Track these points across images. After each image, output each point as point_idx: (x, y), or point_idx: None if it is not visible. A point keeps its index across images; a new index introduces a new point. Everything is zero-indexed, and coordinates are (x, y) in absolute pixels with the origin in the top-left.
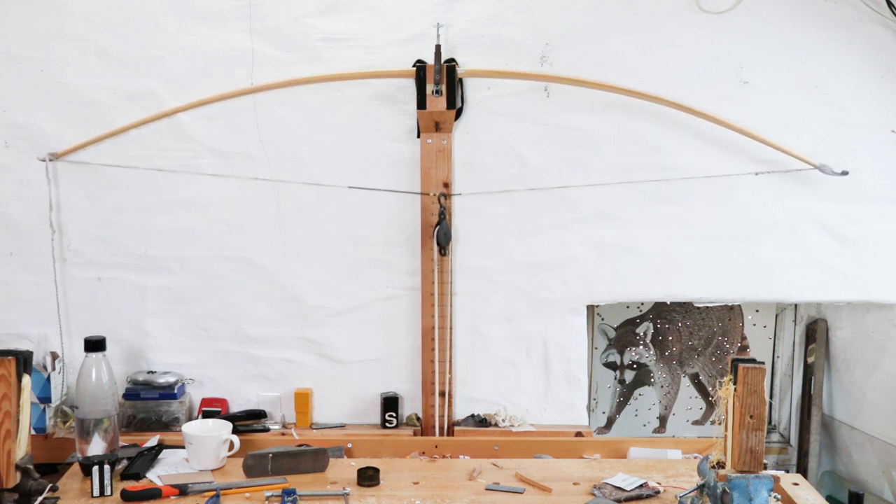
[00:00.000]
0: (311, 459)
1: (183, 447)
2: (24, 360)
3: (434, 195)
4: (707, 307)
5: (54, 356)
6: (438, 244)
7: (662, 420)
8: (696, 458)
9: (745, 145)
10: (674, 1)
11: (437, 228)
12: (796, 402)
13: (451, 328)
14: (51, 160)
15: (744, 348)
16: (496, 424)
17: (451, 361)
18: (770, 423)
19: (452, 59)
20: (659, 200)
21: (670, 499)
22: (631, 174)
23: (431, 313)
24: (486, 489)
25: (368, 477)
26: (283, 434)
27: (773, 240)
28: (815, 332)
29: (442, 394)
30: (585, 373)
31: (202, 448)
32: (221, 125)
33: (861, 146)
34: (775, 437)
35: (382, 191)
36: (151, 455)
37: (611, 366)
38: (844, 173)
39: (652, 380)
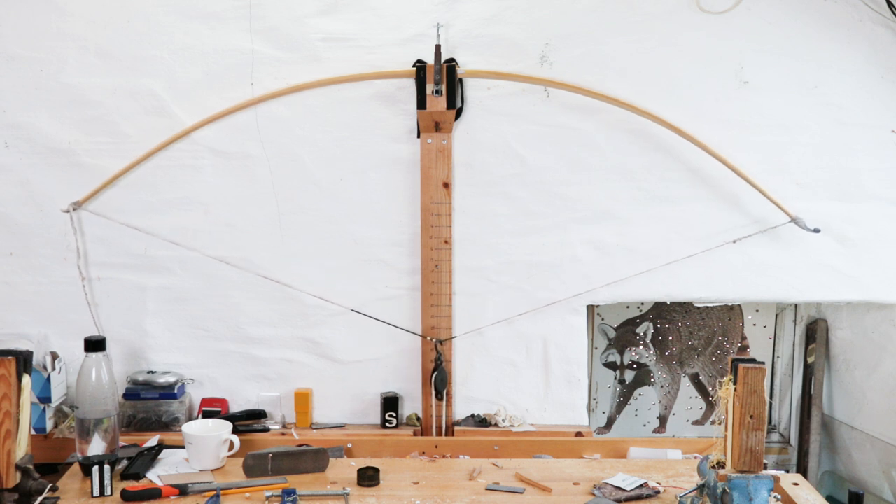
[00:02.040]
0: (311, 459)
1: (183, 447)
2: (24, 360)
3: (431, 340)
4: (707, 307)
5: (54, 356)
6: (436, 389)
7: (662, 420)
8: (696, 458)
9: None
10: (674, 1)
11: (434, 375)
12: (796, 402)
13: (451, 327)
14: (74, 210)
15: (744, 348)
16: (496, 424)
17: (451, 361)
18: (770, 423)
19: (452, 59)
20: (659, 200)
21: (670, 499)
22: (631, 174)
23: (431, 313)
24: (486, 489)
25: (368, 477)
26: (283, 434)
27: (773, 240)
28: (815, 332)
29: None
30: (585, 373)
31: (202, 448)
32: (221, 125)
33: (861, 146)
34: (775, 437)
35: (385, 323)
36: (151, 455)
37: (611, 366)
38: (816, 231)
39: (652, 380)
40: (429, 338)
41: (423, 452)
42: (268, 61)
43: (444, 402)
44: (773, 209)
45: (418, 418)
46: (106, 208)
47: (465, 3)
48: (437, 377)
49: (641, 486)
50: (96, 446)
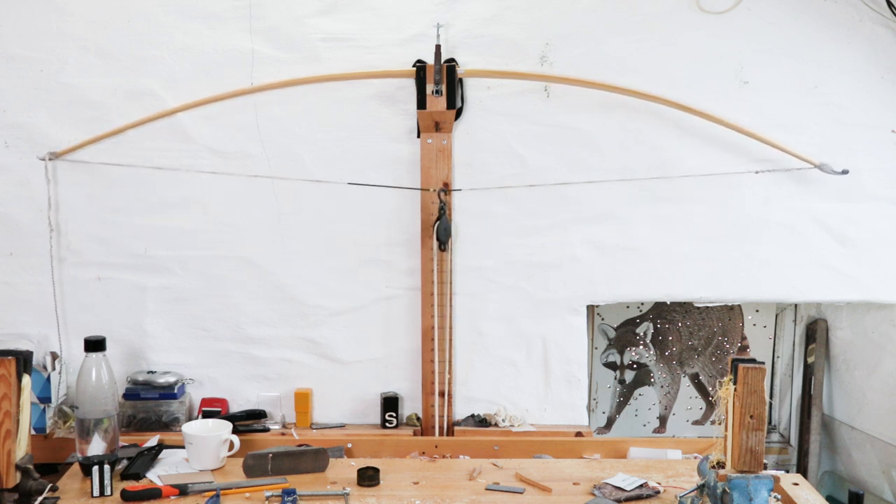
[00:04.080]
0: (311, 459)
1: (183, 447)
2: (24, 360)
3: (434, 191)
4: (707, 307)
5: (54, 356)
6: (438, 240)
7: (662, 420)
8: (696, 458)
9: (745, 145)
10: (674, 1)
11: (437, 224)
12: (796, 402)
13: (450, 328)
14: (50, 159)
15: (744, 348)
16: (496, 424)
17: (451, 361)
18: (770, 423)
19: (452, 59)
20: (659, 200)
21: (670, 499)
22: (631, 174)
23: (431, 313)
24: (486, 489)
25: (368, 477)
26: (283, 434)
27: (773, 240)
28: (815, 332)
29: (442, 394)
30: (585, 373)
31: (202, 448)
32: (221, 125)
33: (861, 146)
34: (775, 437)
35: (382, 187)
36: (151, 455)
37: (611, 366)
38: (845, 172)
39: (652, 380)
40: (431, 189)
41: (423, 452)
42: (268, 61)
43: (445, 402)
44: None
45: (418, 418)
46: (106, 208)
47: (465, 3)
48: (440, 226)
49: (641, 486)
50: (96, 446)
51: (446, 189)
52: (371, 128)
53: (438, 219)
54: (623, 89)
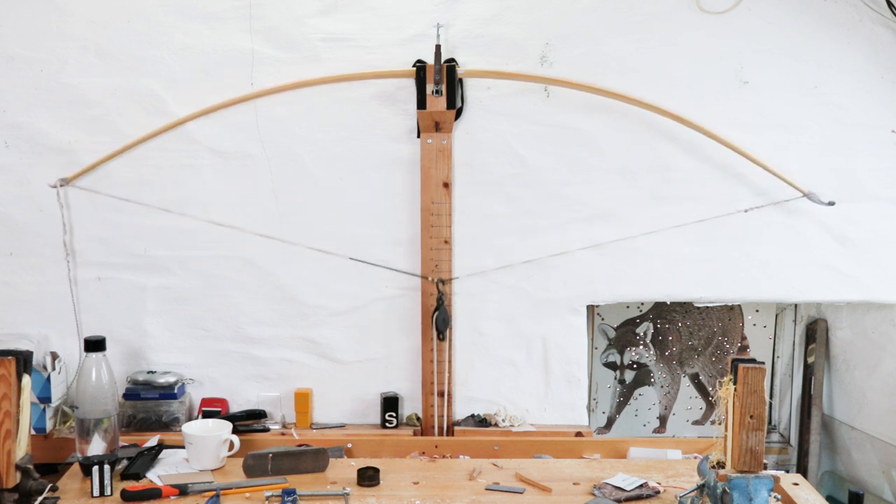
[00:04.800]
0: (311, 459)
1: (183, 447)
2: (24, 360)
3: (432, 280)
4: (707, 307)
5: (54, 356)
6: (437, 329)
7: (662, 420)
8: (696, 458)
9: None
10: (674, 1)
11: (435, 314)
12: (796, 402)
13: (451, 328)
14: (62, 185)
15: (744, 348)
16: (496, 424)
17: (451, 361)
18: (770, 423)
19: (452, 59)
20: (659, 200)
21: (670, 499)
22: (631, 174)
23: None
24: (486, 489)
25: (368, 477)
26: (283, 434)
27: (773, 240)
28: (815, 332)
29: (442, 394)
30: (585, 373)
31: (202, 448)
32: (221, 125)
33: (861, 146)
34: (775, 437)
35: (383, 267)
36: (151, 455)
37: (611, 366)
38: (831, 203)
39: (652, 380)
40: (429, 277)
41: (423, 452)
42: (268, 61)
43: (445, 402)
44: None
45: (418, 418)
46: (107, 209)
47: (465, 3)
48: (439, 316)
49: (641, 486)
50: (96, 446)
51: (444, 279)
52: (371, 128)
53: (437, 309)
54: (621, 96)
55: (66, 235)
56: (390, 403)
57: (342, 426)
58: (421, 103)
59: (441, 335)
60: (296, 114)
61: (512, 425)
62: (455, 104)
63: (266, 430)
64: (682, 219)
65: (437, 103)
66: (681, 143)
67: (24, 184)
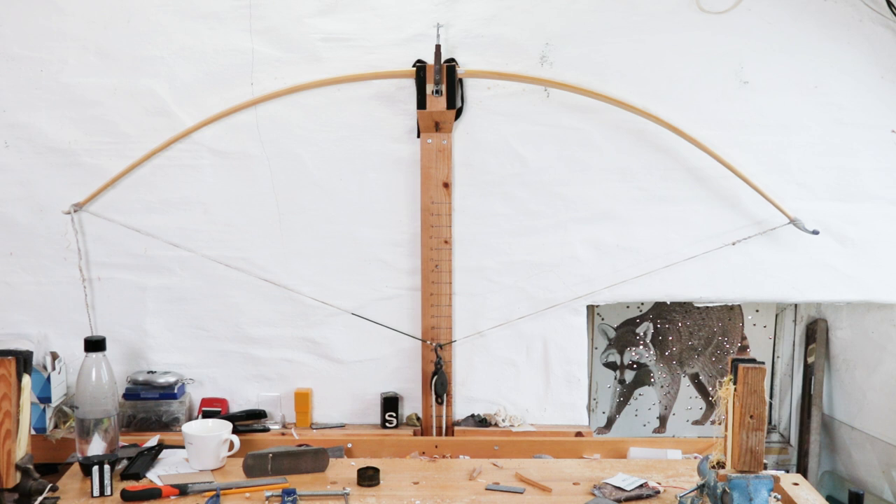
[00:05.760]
0: (311, 459)
1: (183, 447)
2: (24, 360)
3: (431, 344)
4: (707, 307)
5: (54, 356)
6: (436, 394)
7: (662, 420)
8: (696, 458)
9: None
10: (674, 1)
11: (434, 379)
12: (796, 402)
13: (451, 328)
14: (75, 211)
15: (744, 348)
16: (496, 424)
17: (451, 361)
18: (770, 423)
19: (452, 59)
20: (659, 200)
21: (670, 499)
22: (631, 174)
23: (431, 313)
24: (486, 489)
25: (368, 477)
26: (283, 434)
27: (773, 241)
28: (815, 332)
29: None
30: (585, 373)
31: (202, 448)
32: (221, 125)
33: (861, 146)
34: (775, 437)
35: (384, 326)
36: (151, 455)
37: (611, 366)
38: (815, 232)
39: (652, 380)
40: (429, 341)
41: (423, 452)
42: (268, 61)
43: (444, 403)
44: (773, 209)
45: (418, 418)
46: (107, 209)
47: (465, 3)
48: (437, 381)
49: (641, 486)
50: (96, 446)
51: (442, 343)
52: (371, 128)
53: (436, 373)
54: (620, 102)
55: (81, 261)
56: (390, 403)
57: (342, 426)
58: (421, 103)
59: (440, 399)
60: (296, 114)
61: (512, 425)
62: (455, 104)
63: (266, 430)
64: (682, 218)
65: (437, 103)
66: (681, 143)
67: (24, 184)
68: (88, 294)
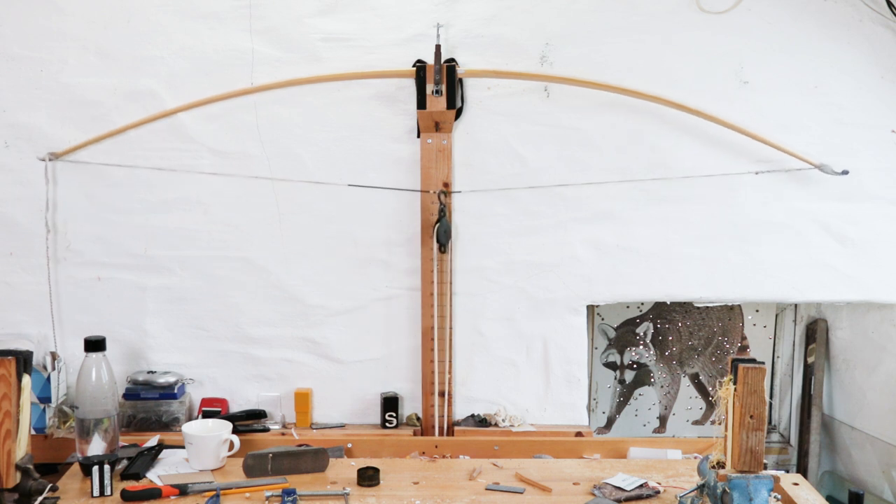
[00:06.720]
0: (311, 459)
1: (183, 447)
2: (24, 360)
3: (434, 192)
4: (707, 307)
5: (54, 356)
6: (438, 242)
7: (662, 420)
8: (696, 458)
9: (744, 146)
10: (674, 1)
11: (437, 226)
12: (796, 402)
13: (451, 328)
14: (50, 160)
15: (744, 348)
16: (496, 424)
17: (451, 361)
18: (770, 423)
19: (452, 59)
20: (659, 200)
21: (670, 499)
22: (631, 174)
23: (431, 313)
24: (486, 489)
25: (368, 477)
26: (283, 434)
27: (773, 240)
28: (815, 332)
29: (442, 394)
30: (585, 373)
31: (202, 448)
32: (221, 125)
33: (861, 146)
34: (775, 437)
35: (383, 188)
36: (151, 455)
37: (611, 366)
38: (845, 172)
39: (652, 380)
40: (431, 190)
41: (423, 452)
42: (268, 61)
43: (445, 402)
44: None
45: (418, 418)
46: (107, 209)
47: (465, 3)
48: (440, 228)
49: (641, 486)
50: (96, 446)
51: (446, 191)
52: (371, 128)
53: (438, 220)
54: (623, 89)
55: (48, 213)
56: (390, 403)
57: (342, 426)
58: (421, 103)
59: (442, 248)
60: (296, 114)
61: (512, 425)
62: (455, 104)
63: (266, 430)
64: (682, 218)
65: (437, 103)
66: (681, 142)
67: (24, 184)
68: (51, 247)
